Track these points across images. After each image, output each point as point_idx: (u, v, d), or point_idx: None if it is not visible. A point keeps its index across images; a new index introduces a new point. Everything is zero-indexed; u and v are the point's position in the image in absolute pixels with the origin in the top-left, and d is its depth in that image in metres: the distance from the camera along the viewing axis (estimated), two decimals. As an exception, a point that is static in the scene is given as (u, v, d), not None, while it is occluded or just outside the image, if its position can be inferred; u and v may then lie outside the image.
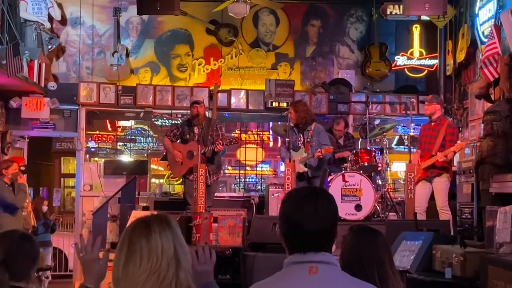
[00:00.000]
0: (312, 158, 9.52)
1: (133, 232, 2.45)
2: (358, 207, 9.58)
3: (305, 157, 9.53)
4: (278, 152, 10.47)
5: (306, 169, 9.59)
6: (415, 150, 9.83)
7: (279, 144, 15.44)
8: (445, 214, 9.00)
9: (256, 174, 12.93)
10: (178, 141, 10.13)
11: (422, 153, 9.34)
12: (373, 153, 10.09)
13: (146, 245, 2.41)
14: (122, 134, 14.76)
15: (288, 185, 9.35)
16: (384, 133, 10.76)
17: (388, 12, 12.15)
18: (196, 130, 9.93)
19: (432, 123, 9.40)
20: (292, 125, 9.80)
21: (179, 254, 2.44)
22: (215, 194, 10.53)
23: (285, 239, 2.60)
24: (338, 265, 2.57)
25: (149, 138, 14.52)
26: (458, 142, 9.20)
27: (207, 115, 10.74)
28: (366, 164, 10.01)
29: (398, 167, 13.88)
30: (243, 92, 12.15)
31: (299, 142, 9.68)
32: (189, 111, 10.27)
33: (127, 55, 12.37)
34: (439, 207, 9.09)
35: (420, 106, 12.07)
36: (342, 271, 2.59)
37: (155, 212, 2.88)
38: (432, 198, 9.24)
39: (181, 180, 10.96)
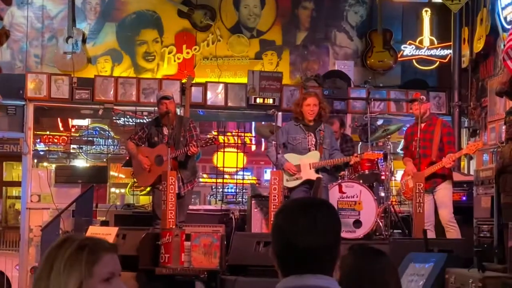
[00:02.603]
0: (337, 163, 9.31)
1: (48, 254, 2.31)
2: (357, 223, 9.58)
3: (321, 162, 9.25)
4: (265, 154, 9.95)
5: (321, 177, 9.23)
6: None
7: (263, 148, 15.45)
8: (452, 229, 9.06)
9: (236, 183, 12.88)
10: (144, 144, 10.06)
11: (417, 161, 9.33)
12: (375, 159, 10.10)
13: (47, 278, 2.26)
14: (77, 135, 14.65)
15: (274, 196, 9.32)
16: (388, 136, 10.77)
17: (393, -7, 12.23)
18: (165, 131, 9.87)
19: (422, 124, 9.44)
20: (297, 121, 9.40)
21: None
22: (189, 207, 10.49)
23: (278, 258, 2.56)
24: (341, 292, 2.56)
25: (109, 140, 14.41)
26: (470, 142, 9.24)
27: (178, 113, 10.70)
28: (367, 172, 10.03)
29: (405, 176, 13.89)
30: (221, 86, 12.13)
31: (309, 143, 9.32)
32: (156, 108, 10.23)
33: (84, 41, 12.30)
34: (445, 221, 9.15)
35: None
36: None
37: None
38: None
39: (147, 190, 10.92)
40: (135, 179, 11.08)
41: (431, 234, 9.07)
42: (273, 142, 9.40)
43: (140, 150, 9.96)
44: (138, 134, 10.05)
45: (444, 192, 9.32)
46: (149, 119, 10.70)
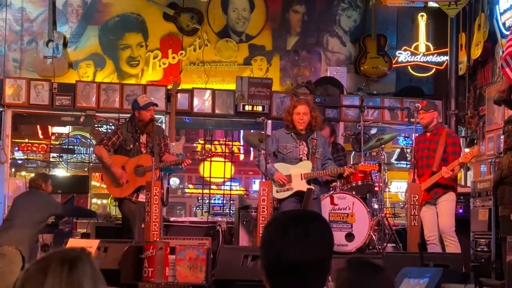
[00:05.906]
0: (330, 174, 9.34)
1: (26, 277, 2.36)
2: (350, 236, 9.59)
3: (313, 173, 9.09)
4: (254, 163, 9.78)
5: (312, 188, 9.10)
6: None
7: (252, 157, 15.45)
8: (451, 243, 8.99)
9: (223, 194, 12.89)
10: (115, 150, 9.89)
11: (420, 171, 9.31)
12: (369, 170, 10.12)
13: None
14: (57, 143, 14.64)
15: (263, 208, 9.31)
16: (382, 146, 10.79)
17: (388, -3, 12.25)
18: (142, 139, 9.70)
19: (428, 134, 9.43)
20: (288, 129, 9.21)
21: None
22: (171, 219, 10.46)
23: (267, 273, 2.56)
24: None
25: (91, 149, 14.43)
26: (466, 150, 9.22)
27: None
28: (359, 183, 10.03)
29: (399, 187, 13.92)
30: (208, 93, 12.12)
31: (300, 153, 9.14)
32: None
33: (65, 45, 12.28)
34: (445, 234, 9.07)
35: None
36: None
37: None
38: None
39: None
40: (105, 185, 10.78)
41: (436, 248, 9.05)
42: (262, 151, 9.21)
43: (115, 159, 9.72)
44: (112, 140, 9.66)
45: (445, 204, 9.18)
46: (120, 125, 10.45)
